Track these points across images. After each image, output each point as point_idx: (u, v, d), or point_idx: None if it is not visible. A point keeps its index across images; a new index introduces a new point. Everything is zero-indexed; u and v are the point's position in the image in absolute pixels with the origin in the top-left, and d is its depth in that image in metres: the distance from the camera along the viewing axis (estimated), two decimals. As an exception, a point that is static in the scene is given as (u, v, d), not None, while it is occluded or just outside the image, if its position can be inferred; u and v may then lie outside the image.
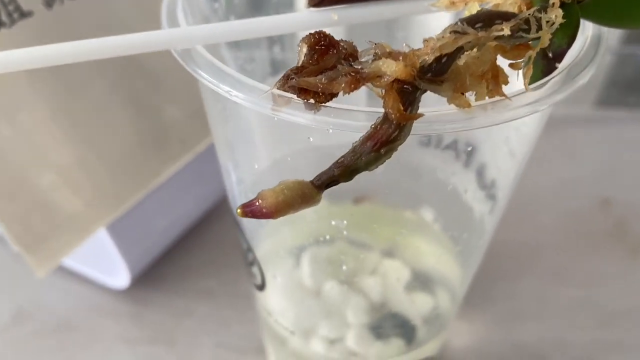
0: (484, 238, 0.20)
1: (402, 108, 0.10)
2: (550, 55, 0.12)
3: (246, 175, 0.18)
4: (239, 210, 0.11)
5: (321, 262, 0.22)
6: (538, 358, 0.25)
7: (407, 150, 0.21)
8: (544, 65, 0.12)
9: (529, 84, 0.12)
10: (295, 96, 0.11)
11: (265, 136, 0.17)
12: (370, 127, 0.11)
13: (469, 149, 0.20)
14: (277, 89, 0.11)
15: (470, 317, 0.26)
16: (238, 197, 0.18)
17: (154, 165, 0.27)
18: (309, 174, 0.19)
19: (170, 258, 0.29)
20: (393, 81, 0.10)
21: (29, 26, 0.22)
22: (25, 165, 0.23)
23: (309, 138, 0.14)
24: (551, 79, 0.12)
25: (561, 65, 0.12)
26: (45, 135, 0.24)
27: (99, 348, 0.26)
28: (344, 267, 0.23)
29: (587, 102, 0.40)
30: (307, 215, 0.22)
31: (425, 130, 0.11)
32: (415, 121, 0.11)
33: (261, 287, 0.19)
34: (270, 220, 0.20)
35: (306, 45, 0.11)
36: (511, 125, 0.18)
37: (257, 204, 0.10)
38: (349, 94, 0.10)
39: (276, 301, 0.20)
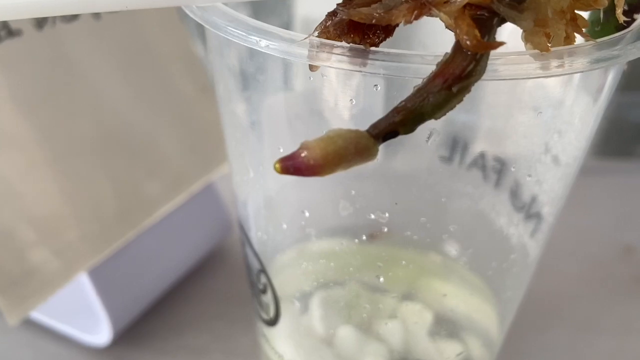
0: (526, 266, 0.17)
1: (478, 34, 0.08)
2: (625, 7, 0.10)
3: (260, 176, 0.16)
4: (277, 165, 0.08)
5: (333, 306, 0.20)
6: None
7: (425, 173, 0.19)
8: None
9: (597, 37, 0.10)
10: (338, 42, 0.09)
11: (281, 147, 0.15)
12: (437, 64, 0.09)
13: (499, 165, 0.18)
14: (318, 35, 0.09)
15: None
16: (251, 195, 0.16)
17: (143, 205, 0.24)
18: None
19: (158, 312, 0.26)
20: (465, 5, 0.08)
21: (17, 45, 0.21)
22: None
23: (351, 100, 0.12)
24: (629, 31, 0.10)
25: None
26: (21, 172, 0.21)
27: (72, 416, 0.22)
28: (359, 311, 0.20)
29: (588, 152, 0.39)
30: (317, 255, 0.20)
31: (501, 72, 0.09)
32: (489, 62, 0.09)
33: (273, 321, 0.17)
34: (286, 239, 0.18)
35: (354, -22, 0.09)
36: (553, 128, 0.16)
37: (302, 155, 0.08)
38: (411, 23, 0.09)
39: (290, 339, 0.17)
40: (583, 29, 0.10)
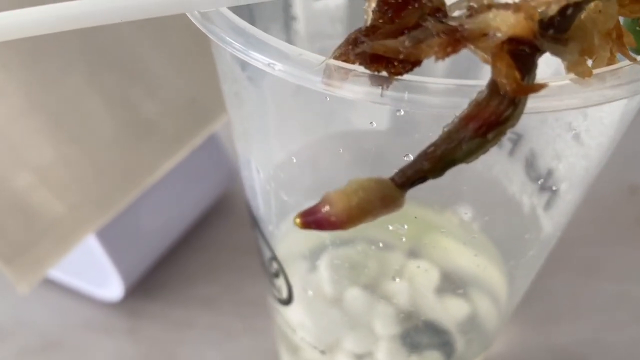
0: (539, 241, 0.17)
1: (519, 76, 0.07)
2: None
3: (268, 167, 0.15)
4: (297, 221, 0.08)
5: (341, 267, 0.20)
6: (579, 362, 0.23)
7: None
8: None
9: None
10: (355, 67, 0.08)
11: (285, 123, 0.15)
12: (470, 104, 0.08)
13: (515, 136, 0.18)
14: (336, 57, 0.09)
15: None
16: (260, 193, 0.15)
17: (145, 163, 0.24)
18: (341, 163, 0.16)
19: (166, 265, 0.26)
20: (504, 41, 0.07)
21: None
22: (1, 168, 0.20)
23: (371, 123, 0.11)
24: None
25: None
26: (21, 133, 0.21)
27: (91, 368, 0.23)
28: (367, 271, 0.20)
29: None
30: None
31: (539, 107, 0.08)
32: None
33: (287, 301, 0.17)
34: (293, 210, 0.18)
35: (376, -1, 0.08)
36: (575, 109, 0.15)
37: (324, 210, 0.08)
38: (443, 60, 0.08)
39: (305, 315, 0.18)
40: (628, 47, 0.09)
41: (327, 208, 0.08)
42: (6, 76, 0.20)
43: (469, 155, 0.08)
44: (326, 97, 0.10)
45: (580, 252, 0.27)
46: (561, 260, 0.27)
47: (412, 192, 0.20)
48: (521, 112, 0.08)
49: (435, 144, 0.08)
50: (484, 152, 0.08)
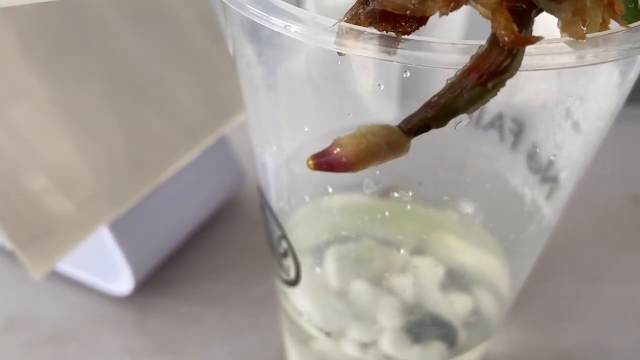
0: (540, 229, 0.18)
1: (516, 29, 0.08)
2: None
3: (281, 141, 0.16)
4: (310, 162, 0.08)
5: (346, 261, 0.20)
6: (583, 363, 0.23)
7: (442, 132, 0.20)
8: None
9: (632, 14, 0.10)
10: (365, 29, 0.09)
11: (299, 111, 0.15)
12: (471, 58, 0.09)
13: (516, 127, 0.18)
14: (347, 20, 0.09)
15: (508, 320, 0.24)
16: (272, 168, 0.16)
17: (159, 159, 0.25)
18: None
19: (176, 261, 0.27)
20: (503, -3, 0.08)
21: (28, 5, 0.20)
22: (18, 158, 0.21)
23: (379, 85, 0.12)
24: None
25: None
26: (38, 127, 0.21)
27: (99, 359, 0.23)
28: (372, 266, 0.20)
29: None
30: (333, 209, 0.20)
31: (537, 65, 0.09)
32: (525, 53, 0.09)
33: (294, 281, 0.17)
34: (304, 203, 0.18)
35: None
36: (573, 94, 0.16)
37: (335, 152, 0.08)
38: (447, 14, 0.08)
39: (311, 298, 0.18)
40: (619, 14, 0.09)
41: (338, 150, 0.08)
42: (29, 74, 0.21)
43: (470, 104, 0.08)
44: (337, 61, 0.11)
45: (584, 257, 0.27)
46: (565, 265, 0.27)
47: (416, 192, 0.21)
48: (519, 64, 0.08)
49: (439, 94, 0.09)
50: (484, 102, 0.09)
